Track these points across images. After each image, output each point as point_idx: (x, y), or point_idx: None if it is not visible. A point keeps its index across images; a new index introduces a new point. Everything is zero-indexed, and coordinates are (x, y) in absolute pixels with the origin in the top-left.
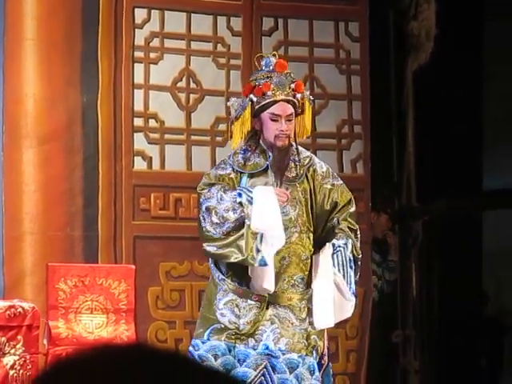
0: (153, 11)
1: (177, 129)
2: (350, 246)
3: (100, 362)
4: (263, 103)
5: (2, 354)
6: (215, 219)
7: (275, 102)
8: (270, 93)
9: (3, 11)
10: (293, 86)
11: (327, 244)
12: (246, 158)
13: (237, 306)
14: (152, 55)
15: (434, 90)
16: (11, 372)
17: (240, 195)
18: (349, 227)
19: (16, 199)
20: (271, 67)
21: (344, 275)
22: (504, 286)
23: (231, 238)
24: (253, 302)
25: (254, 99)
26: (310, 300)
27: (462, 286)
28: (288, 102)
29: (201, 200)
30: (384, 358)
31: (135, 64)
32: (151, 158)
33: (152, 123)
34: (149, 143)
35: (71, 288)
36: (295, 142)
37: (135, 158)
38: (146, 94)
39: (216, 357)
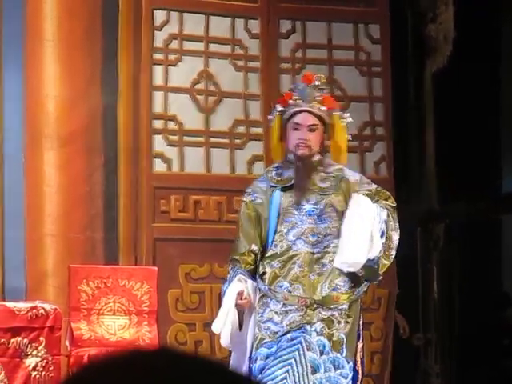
0: (172, 13)
1: (196, 131)
2: (386, 212)
3: (130, 368)
4: (287, 113)
5: (24, 356)
6: None
7: (299, 111)
8: (292, 102)
9: (23, 12)
10: (319, 98)
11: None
12: (278, 174)
13: (276, 314)
14: (171, 57)
15: (452, 93)
16: (33, 373)
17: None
18: (389, 204)
19: (37, 201)
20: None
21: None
22: None
23: None
24: (293, 308)
25: (280, 108)
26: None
27: (482, 290)
28: (310, 112)
29: None
30: (405, 360)
31: (154, 66)
32: (171, 160)
33: (171, 125)
34: (168, 145)
35: (93, 289)
36: (321, 153)
37: (155, 160)
38: (165, 95)
39: (256, 359)
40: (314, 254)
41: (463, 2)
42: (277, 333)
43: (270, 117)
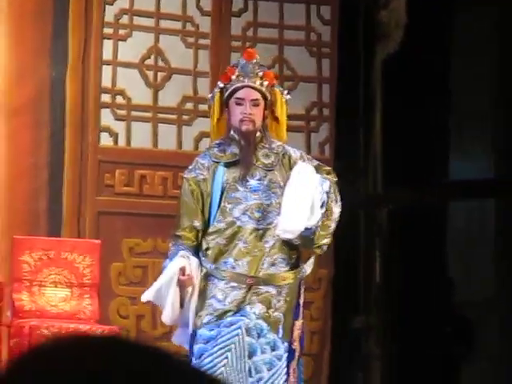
0: None
1: (144, 106)
2: (328, 184)
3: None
4: (230, 89)
5: None
6: None
7: (241, 87)
8: (234, 77)
9: None
10: (260, 73)
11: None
12: (221, 150)
13: (219, 290)
14: (121, 32)
15: (402, 79)
16: None
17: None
18: (330, 178)
19: None
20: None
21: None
22: (470, 276)
23: None
24: (235, 284)
25: (221, 85)
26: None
27: (426, 275)
28: (253, 88)
29: None
30: (346, 342)
31: (104, 40)
32: (117, 134)
33: (119, 100)
34: (115, 119)
35: (36, 261)
36: (264, 130)
37: (101, 133)
38: (114, 70)
39: (198, 341)
40: (258, 229)
41: None
42: (218, 310)
43: (209, 96)
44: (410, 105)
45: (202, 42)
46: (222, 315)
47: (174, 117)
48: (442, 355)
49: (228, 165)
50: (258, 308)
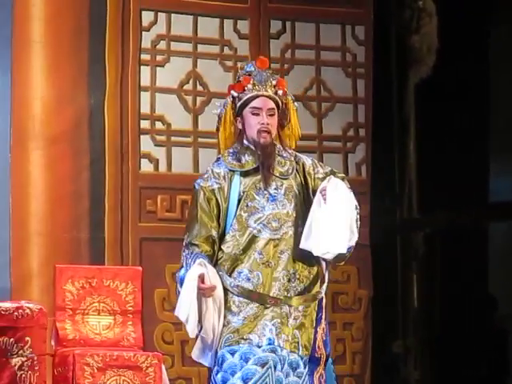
0: (159, 14)
1: (183, 131)
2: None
3: None
4: (244, 98)
5: (10, 355)
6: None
7: (256, 96)
8: (250, 86)
9: (11, 14)
10: (274, 82)
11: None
12: (236, 159)
13: (233, 303)
14: (159, 58)
15: (436, 103)
16: (19, 373)
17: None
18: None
19: (23, 201)
20: (252, 68)
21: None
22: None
23: None
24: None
25: (235, 94)
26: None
27: (465, 297)
28: (269, 97)
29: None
30: (386, 364)
31: (142, 67)
32: (158, 160)
33: (158, 125)
34: (155, 145)
35: (78, 289)
36: (280, 141)
37: (141, 160)
38: (152, 96)
39: (222, 365)
40: (273, 240)
41: (447, 13)
42: (233, 326)
43: (218, 106)
44: (444, 128)
45: (240, 65)
46: (240, 334)
47: (214, 141)
48: (480, 378)
49: (244, 173)
50: (282, 339)
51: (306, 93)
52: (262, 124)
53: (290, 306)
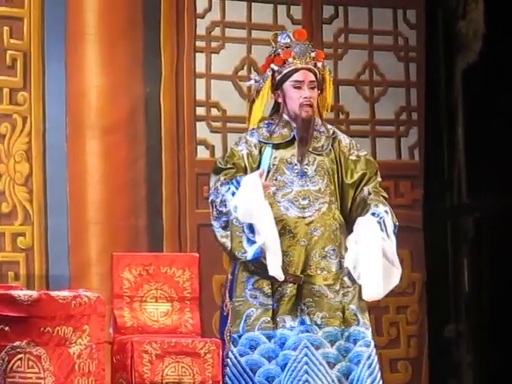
0: (214, 0)
1: (239, 117)
2: (390, 213)
3: None
4: (284, 72)
5: (68, 344)
6: (214, 213)
7: (297, 69)
8: (290, 60)
9: (64, 6)
10: (313, 54)
11: (367, 214)
12: (270, 131)
13: (267, 285)
14: (213, 44)
15: (483, 88)
16: (78, 361)
17: (230, 188)
18: (382, 196)
19: (80, 189)
20: (288, 39)
21: (392, 242)
22: None
23: (227, 231)
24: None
25: (276, 68)
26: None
27: None
28: (309, 70)
29: (209, 191)
30: (439, 350)
31: (197, 54)
32: (213, 146)
33: (214, 112)
34: (211, 132)
35: (136, 277)
36: (319, 113)
37: (198, 146)
38: (207, 83)
39: (254, 348)
40: (304, 218)
41: None
42: (267, 305)
43: (254, 77)
44: (492, 113)
45: (272, 35)
46: (275, 317)
47: None
48: None
49: (276, 146)
50: (319, 316)
51: (358, 77)
52: (305, 98)
53: (312, 284)
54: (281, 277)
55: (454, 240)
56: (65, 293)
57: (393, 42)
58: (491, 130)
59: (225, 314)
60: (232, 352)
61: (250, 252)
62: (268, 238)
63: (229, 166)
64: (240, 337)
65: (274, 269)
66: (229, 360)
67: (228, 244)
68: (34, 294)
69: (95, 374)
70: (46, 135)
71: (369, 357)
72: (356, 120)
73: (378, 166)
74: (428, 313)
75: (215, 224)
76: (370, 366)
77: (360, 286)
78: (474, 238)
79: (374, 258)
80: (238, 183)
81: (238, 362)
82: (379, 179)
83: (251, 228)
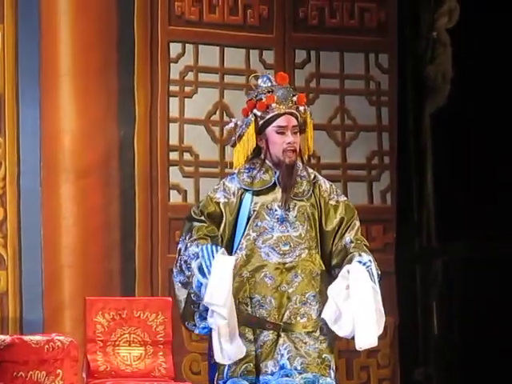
0: (187, 45)
1: (211, 162)
2: (373, 262)
3: None
4: (267, 117)
5: None
6: (177, 264)
7: (280, 115)
8: (274, 105)
9: (39, 48)
10: (295, 98)
11: (354, 261)
12: (252, 176)
13: (249, 331)
14: (187, 89)
15: (451, 132)
16: None
17: (198, 258)
18: (364, 244)
19: (54, 233)
20: (269, 83)
21: (378, 291)
22: None
23: (184, 291)
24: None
25: (258, 113)
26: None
27: (486, 325)
28: (292, 114)
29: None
30: None
31: (170, 98)
32: (186, 191)
33: (187, 156)
34: (183, 176)
35: (109, 321)
36: (301, 157)
37: (171, 191)
38: (181, 127)
39: None
40: (285, 263)
41: (461, 43)
42: (249, 352)
43: (231, 124)
44: (461, 157)
45: (252, 78)
46: (258, 363)
47: None
48: None
49: (257, 192)
50: (299, 362)
51: (330, 122)
52: (289, 143)
53: (292, 331)
54: (229, 360)
55: (424, 283)
56: (38, 337)
57: (364, 87)
58: (459, 173)
59: (212, 362)
60: None
61: (199, 329)
62: (225, 325)
63: (202, 217)
64: (225, 383)
65: (222, 355)
66: None
67: (181, 305)
68: (7, 338)
69: None
70: (20, 179)
71: None
72: (327, 164)
73: None
74: (399, 356)
75: (175, 274)
76: None
77: (333, 335)
78: (443, 281)
79: (369, 306)
80: (210, 261)
81: None
82: (358, 224)
83: (206, 308)
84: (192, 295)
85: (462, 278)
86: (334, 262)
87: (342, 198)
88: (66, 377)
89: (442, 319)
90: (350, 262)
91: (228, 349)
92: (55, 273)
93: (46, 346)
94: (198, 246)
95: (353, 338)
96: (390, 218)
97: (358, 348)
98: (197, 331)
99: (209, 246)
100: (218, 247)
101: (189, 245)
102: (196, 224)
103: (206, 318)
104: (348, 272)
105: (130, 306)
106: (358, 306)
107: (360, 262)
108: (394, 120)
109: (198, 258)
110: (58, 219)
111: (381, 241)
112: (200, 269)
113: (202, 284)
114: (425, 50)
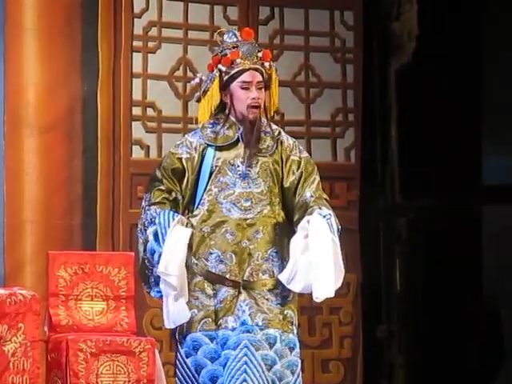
0: (151, 0)
1: (174, 117)
2: (333, 216)
3: None
4: (232, 72)
5: (3, 342)
6: (140, 222)
7: (244, 70)
8: (238, 61)
9: (3, 1)
10: (260, 54)
11: (314, 213)
12: (215, 131)
13: (208, 285)
14: (150, 44)
15: (416, 89)
16: (12, 359)
17: (155, 225)
18: (325, 199)
19: (17, 188)
20: (235, 38)
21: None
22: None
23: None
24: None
25: (223, 69)
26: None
27: (445, 283)
28: (257, 70)
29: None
30: (371, 351)
31: (134, 53)
32: (148, 146)
33: (150, 112)
34: (146, 132)
35: (71, 275)
36: (266, 114)
37: (133, 146)
38: (144, 83)
39: (197, 349)
40: (246, 220)
41: (427, 0)
42: (208, 307)
43: (200, 78)
44: (426, 114)
45: (217, 34)
46: (217, 318)
47: None
48: (465, 364)
49: (219, 148)
50: (260, 318)
51: (294, 78)
52: (253, 99)
53: (252, 289)
54: (174, 324)
55: (387, 241)
56: (0, 290)
57: (329, 44)
58: (424, 130)
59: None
60: (180, 353)
61: (154, 292)
62: (175, 295)
63: (163, 178)
64: (185, 338)
65: (167, 321)
66: (177, 361)
67: (139, 263)
68: None
69: (30, 372)
70: None
71: (301, 369)
72: (291, 121)
73: None
74: (362, 313)
75: (139, 231)
76: (299, 378)
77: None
78: (406, 238)
79: (327, 257)
80: (165, 229)
81: (185, 362)
82: (318, 179)
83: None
84: (146, 260)
85: (425, 235)
86: (296, 217)
87: (304, 155)
88: (28, 331)
89: (404, 277)
90: (310, 214)
91: (173, 313)
92: (17, 228)
93: (8, 300)
94: (155, 211)
95: (311, 294)
96: (354, 176)
97: (314, 299)
98: (152, 294)
99: (166, 212)
100: (175, 215)
101: (147, 208)
102: (156, 185)
103: (158, 284)
104: (308, 222)
105: (93, 260)
106: (317, 257)
107: (320, 214)
108: (358, 77)
109: (154, 224)
110: (20, 174)
111: (344, 198)
112: (155, 236)
113: (155, 251)
114: (390, 7)
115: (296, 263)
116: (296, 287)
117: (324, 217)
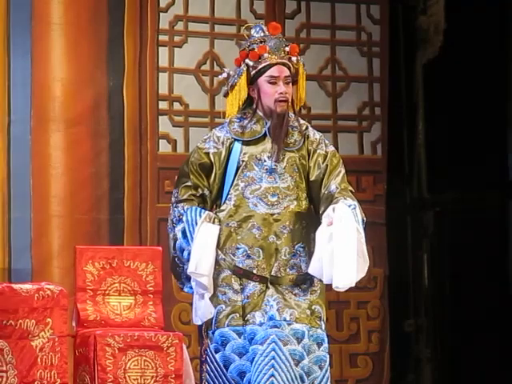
0: None
1: (201, 112)
2: (358, 208)
3: None
4: (260, 67)
5: (31, 337)
6: (169, 218)
7: (272, 65)
8: (266, 55)
9: None
10: (287, 49)
11: (339, 202)
12: (242, 126)
13: (236, 280)
14: (176, 38)
15: (443, 83)
16: (40, 354)
17: (182, 222)
18: (350, 190)
19: (43, 182)
20: (262, 33)
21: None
22: None
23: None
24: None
25: (250, 63)
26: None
27: (473, 276)
28: (284, 65)
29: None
30: (398, 345)
31: (160, 47)
32: (175, 141)
33: (176, 106)
34: (173, 126)
35: (99, 270)
36: (293, 108)
37: (160, 141)
38: (170, 77)
39: (225, 344)
40: (272, 215)
41: None
42: (236, 302)
43: (227, 72)
44: (453, 108)
45: (244, 28)
46: (245, 313)
47: None
48: (491, 358)
49: (246, 142)
50: (288, 313)
51: (321, 72)
52: (280, 93)
53: (279, 284)
54: (200, 321)
55: (415, 235)
56: (27, 286)
57: (356, 37)
58: (451, 124)
59: None
60: (209, 348)
61: (187, 288)
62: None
63: (191, 175)
64: (213, 333)
65: (195, 317)
66: (206, 356)
67: (170, 259)
68: None
69: (58, 367)
70: (10, 127)
71: (329, 365)
72: (318, 115)
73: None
74: (389, 308)
75: (169, 227)
76: (328, 373)
77: (323, 285)
78: (434, 232)
79: (350, 245)
80: (193, 226)
81: (214, 357)
82: (343, 172)
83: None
84: (176, 258)
85: (452, 228)
86: (321, 209)
87: (330, 149)
88: (56, 326)
89: (432, 270)
90: (335, 204)
91: (199, 309)
92: (44, 222)
93: (36, 295)
94: (183, 209)
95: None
96: (381, 169)
97: (334, 288)
98: (185, 290)
99: (193, 209)
100: (202, 211)
101: (175, 205)
102: (183, 181)
103: (190, 280)
104: (333, 210)
105: (120, 255)
106: (340, 244)
107: (345, 203)
108: (385, 71)
109: (181, 222)
110: (47, 168)
111: (371, 192)
112: (183, 233)
113: (184, 249)
114: (417, 0)
115: (321, 253)
116: (323, 278)
117: (349, 206)
